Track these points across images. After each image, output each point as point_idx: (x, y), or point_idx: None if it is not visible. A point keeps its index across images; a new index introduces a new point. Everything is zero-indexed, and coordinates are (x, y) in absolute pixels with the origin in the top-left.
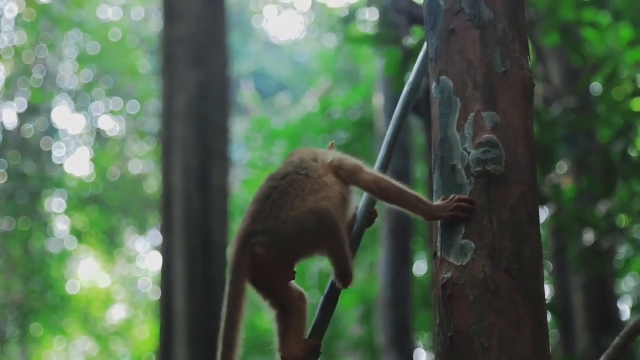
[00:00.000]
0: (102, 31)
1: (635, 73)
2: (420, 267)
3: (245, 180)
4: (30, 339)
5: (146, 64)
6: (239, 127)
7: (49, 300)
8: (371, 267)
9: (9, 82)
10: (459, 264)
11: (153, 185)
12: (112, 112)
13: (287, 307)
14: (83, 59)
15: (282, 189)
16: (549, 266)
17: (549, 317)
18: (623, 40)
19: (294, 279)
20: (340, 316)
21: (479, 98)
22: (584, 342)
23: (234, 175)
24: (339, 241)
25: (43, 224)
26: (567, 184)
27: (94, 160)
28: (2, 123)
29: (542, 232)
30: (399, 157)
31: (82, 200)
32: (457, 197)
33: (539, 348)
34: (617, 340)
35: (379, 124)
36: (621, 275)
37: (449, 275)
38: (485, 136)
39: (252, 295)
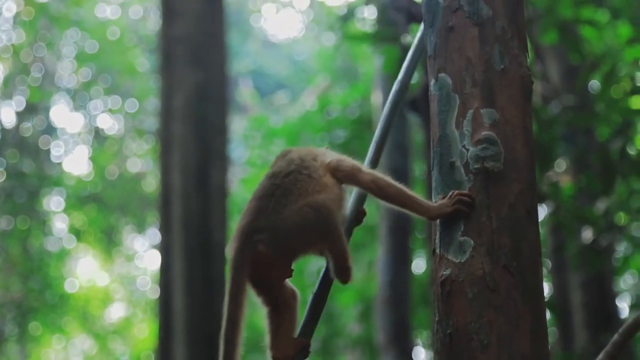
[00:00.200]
0: (101, 30)
1: (634, 71)
2: (419, 265)
3: (244, 178)
4: (28, 338)
5: (144, 63)
6: (237, 126)
7: (48, 299)
8: (370, 265)
9: (7, 81)
10: (458, 260)
11: (151, 184)
12: (110, 111)
13: (280, 304)
14: (81, 58)
15: (286, 188)
16: (547, 264)
17: (548, 314)
18: (621, 38)
19: (290, 276)
20: (339, 314)
21: (478, 95)
22: (583, 339)
23: (232, 173)
24: (338, 237)
25: (41, 222)
26: (566, 182)
27: (92, 158)
28: (0, 122)
29: (541, 229)
30: (397, 155)
31: (80, 198)
32: (456, 192)
33: (538, 345)
34: (615, 337)
35: (378, 122)
36: (620, 273)
37: (447, 272)
38: (483, 133)
39: (250, 293)
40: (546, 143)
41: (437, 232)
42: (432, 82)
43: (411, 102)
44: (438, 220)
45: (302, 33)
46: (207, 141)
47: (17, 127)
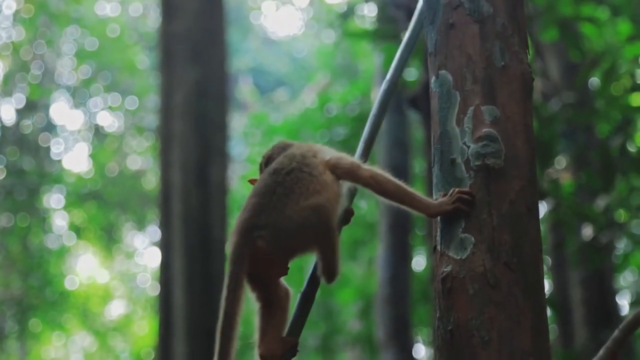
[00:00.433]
0: (100, 27)
1: (634, 68)
2: (419, 262)
3: (244, 175)
4: (29, 335)
5: (144, 60)
6: (237, 123)
7: (48, 296)
8: (370, 262)
9: (7, 78)
10: (459, 257)
11: (151, 181)
12: (110, 108)
13: (273, 301)
14: (81, 55)
15: (287, 186)
16: (547, 261)
17: (548, 311)
18: (621, 35)
19: (286, 274)
20: (339, 311)
21: (478, 92)
22: (583, 336)
23: (232, 170)
24: (333, 239)
25: (41, 219)
26: (566, 179)
27: (92, 156)
28: (0, 119)
29: (541, 226)
30: (397, 152)
31: (80, 196)
32: (457, 190)
33: (539, 341)
34: (616, 333)
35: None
36: (620, 270)
37: (448, 268)
38: (484, 130)
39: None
40: (546, 140)
41: (438, 229)
42: (433, 79)
43: (411, 99)
44: (439, 217)
45: (302, 30)
46: (207, 138)
47: (17, 124)
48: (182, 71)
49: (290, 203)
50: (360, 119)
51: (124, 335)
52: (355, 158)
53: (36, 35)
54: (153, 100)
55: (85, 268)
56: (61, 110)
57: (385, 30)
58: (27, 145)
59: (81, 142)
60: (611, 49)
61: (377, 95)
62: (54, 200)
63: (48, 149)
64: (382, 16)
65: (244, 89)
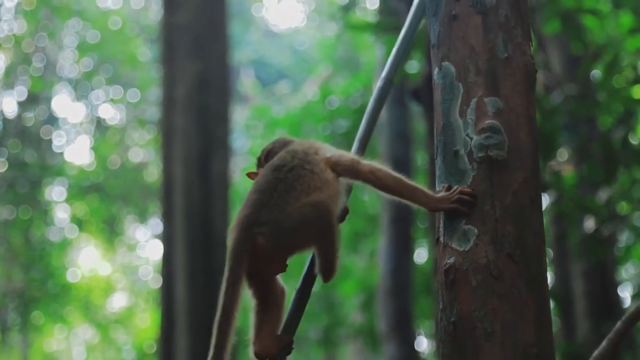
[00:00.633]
0: (102, 19)
1: (636, 60)
2: (421, 255)
3: (246, 168)
4: (31, 327)
5: (146, 52)
6: (239, 116)
7: (50, 289)
8: (372, 255)
9: (9, 71)
10: (462, 249)
11: (153, 174)
12: (112, 101)
13: (269, 299)
14: (83, 48)
15: (289, 183)
16: (549, 253)
17: (551, 303)
18: (623, 28)
19: (284, 271)
20: (341, 304)
21: (482, 83)
22: (585, 328)
23: (234, 163)
24: (333, 237)
25: (43, 212)
26: (568, 171)
27: (94, 148)
28: (2, 111)
29: (543, 218)
30: (399, 144)
31: (82, 188)
32: (458, 189)
33: (542, 333)
34: (618, 324)
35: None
36: (622, 262)
37: (451, 260)
38: (487, 122)
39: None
40: (548, 132)
41: (441, 221)
42: (436, 70)
43: (413, 91)
44: None
45: (304, 23)
46: (209, 131)
47: (19, 117)
48: (184, 64)
49: (291, 200)
50: (362, 112)
51: (126, 327)
52: (352, 153)
53: (38, 27)
54: (155, 92)
55: (87, 261)
56: (63, 103)
57: (387, 23)
58: (29, 137)
59: (83, 135)
60: (613, 41)
61: (375, 87)
62: (55, 192)
63: (50, 141)
64: (384, 8)
65: (245, 81)
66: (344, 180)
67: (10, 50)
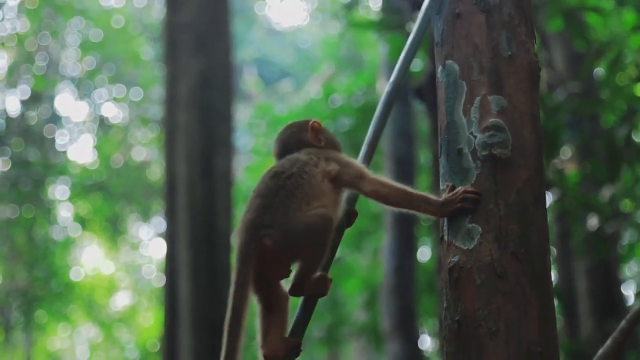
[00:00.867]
0: (105, 18)
1: (639, 58)
2: (424, 253)
3: (249, 166)
4: (34, 326)
5: (149, 51)
6: (242, 114)
7: (53, 288)
8: (375, 253)
9: (12, 70)
10: (466, 247)
11: (156, 172)
12: (115, 99)
13: (274, 303)
14: (86, 46)
15: (288, 190)
16: (553, 251)
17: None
18: (627, 25)
19: (288, 276)
20: (344, 302)
21: (485, 82)
22: (588, 327)
23: (237, 161)
24: (323, 252)
25: (47, 211)
26: (571, 169)
27: (97, 147)
28: (5, 110)
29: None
30: (402, 143)
31: (85, 187)
32: (462, 189)
33: (546, 331)
34: (623, 323)
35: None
36: (625, 260)
37: (455, 259)
38: (491, 120)
39: None
40: (551, 130)
41: (445, 219)
42: (440, 69)
43: (416, 89)
44: None
45: (307, 21)
46: (212, 129)
47: (22, 115)
48: (187, 62)
49: (293, 206)
50: (365, 110)
51: (130, 326)
52: (359, 162)
53: (41, 26)
54: (158, 91)
55: (91, 259)
56: (66, 102)
57: (390, 21)
58: (32, 136)
59: (86, 134)
60: (616, 38)
61: (382, 86)
62: (59, 191)
63: (53, 140)
64: (387, 6)
65: (248, 79)
66: (346, 192)
67: (13, 49)
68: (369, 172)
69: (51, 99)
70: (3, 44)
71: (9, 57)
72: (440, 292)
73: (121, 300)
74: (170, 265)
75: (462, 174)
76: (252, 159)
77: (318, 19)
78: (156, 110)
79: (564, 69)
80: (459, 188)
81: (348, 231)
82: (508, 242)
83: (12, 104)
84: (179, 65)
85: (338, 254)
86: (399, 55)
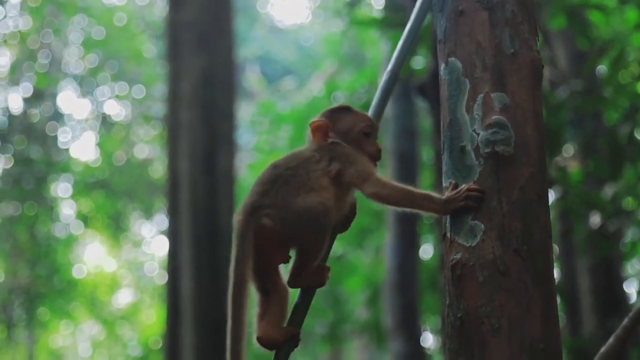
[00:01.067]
0: (107, 16)
1: None
2: (427, 250)
3: (251, 164)
4: (37, 323)
5: (151, 49)
6: (244, 112)
7: (56, 285)
8: (377, 250)
9: (15, 67)
10: (469, 244)
11: (159, 170)
12: (117, 97)
13: (272, 291)
14: (88, 44)
15: (286, 178)
16: (555, 249)
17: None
18: (629, 23)
19: (287, 261)
20: (346, 299)
21: (488, 79)
22: (591, 324)
23: (240, 159)
24: (321, 239)
25: (49, 208)
26: (574, 167)
27: (99, 144)
28: (7, 108)
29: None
30: (404, 140)
31: (88, 184)
32: (466, 187)
33: (549, 328)
34: (626, 321)
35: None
36: (627, 258)
37: (458, 256)
38: (494, 117)
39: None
40: (554, 128)
41: (448, 217)
42: (442, 66)
43: (419, 87)
44: None
45: (309, 18)
46: (214, 127)
47: (24, 113)
48: (189, 60)
49: (290, 191)
50: (367, 107)
51: (132, 323)
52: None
53: (43, 24)
54: (160, 89)
55: (93, 257)
56: (68, 99)
57: (393, 18)
58: (34, 134)
59: (88, 131)
60: (619, 36)
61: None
62: (61, 189)
63: (55, 137)
64: (390, 4)
65: (251, 77)
66: (352, 191)
67: (15, 46)
68: (375, 173)
69: (54, 96)
70: (5, 41)
71: (12, 55)
72: (443, 290)
73: (123, 298)
74: (173, 262)
75: (465, 171)
76: (254, 157)
77: (320, 17)
78: (159, 108)
79: (566, 67)
80: (463, 186)
81: (350, 228)
82: (511, 239)
83: (15, 102)
84: (182, 63)
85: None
86: None
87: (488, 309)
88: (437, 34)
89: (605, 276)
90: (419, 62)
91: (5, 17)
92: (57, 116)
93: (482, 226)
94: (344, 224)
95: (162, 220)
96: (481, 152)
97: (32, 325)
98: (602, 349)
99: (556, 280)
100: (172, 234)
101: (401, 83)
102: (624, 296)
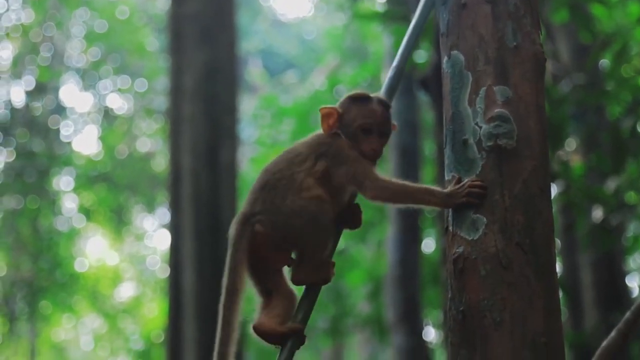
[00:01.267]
0: (110, 9)
1: None
2: (429, 244)
3: (254, 158)
4: (39, 317)
5: (154, 42)
6: (247, 105)
7: (58, 278)
8: (379, 244)
9: (17, 60)
10: (471, 238)
11: (161, 163)
12: (119, 90)
13: (276, 293)
14: (91, 37)
15: (273, 184)
16: (557, 243)
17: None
18: (632, 17)
19: (288, 264)
20: (348, 293)
21: (491, 72)
22: (593, 318)
23: (242, 153)
24: (318, 235)
25: (51, 202)
26: (576, 161)
27: (101, 138)
28: (10, 101)
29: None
30: (407, 134)
31: (90, 178)
32: (468, 182)
33: (551, 322)
34: (627, 315)
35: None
36: (630, 252)
37: (460, 249)
38: (496, 110)
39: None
40: (557, 122)
41: (450, 210)
42: (445, 59)
43: (421, 80)
44: None
45: (312, 12)
46: (216, 120)
47: (26, 106)
48: (192, 53)
49: (278, 194)
50: None
51: (134, 317)
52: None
53: (46, 17)
54: (162, 82)
55: (95, 250)
56: (71, 93)
57: (395, 12)
58: (36, 127)
59: (91, 125)
60: (622, 30)
61: (387, 77)
62: (63, 182)
63: (58, 131)
64: None
65: (253, 71)
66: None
67: (18, 39)
68: (370, 174)
69: (56, 89)
70: (8, 34)
71: (14, 48)
72: (445, 283)
73: (125, 291)
74: (175, 256)
75: (467, 164)
76: (257, 150)
77: (323, 10)
78: (161, 102)
79: (569, 61)
80: (466, 181)
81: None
82: (513, 232)
83: (17, 95)
84: (184, 57)
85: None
86: None
87: (490, 303)
88: (439, 27)
89: (608, 270)
90: (421, 55)
91: (7, 10)
92: (60, 109)
93: (485, 220)
94: (353, 221)
95: (164, 213)
96: (483, 145)
97: (34, 319)
98: (604, 343)
99: (558, 274)
100: (174, 227)
101: (404, 76)
102: (626, 290)
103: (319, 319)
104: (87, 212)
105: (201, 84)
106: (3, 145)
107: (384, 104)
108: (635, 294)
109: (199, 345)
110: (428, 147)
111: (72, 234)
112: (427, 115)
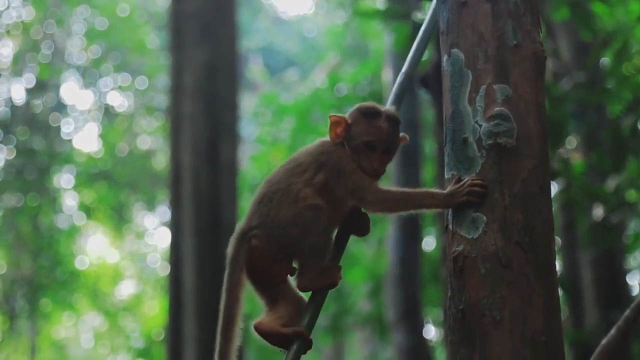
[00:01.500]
0: (111, 6)
1: None
2: (429, 243)
3: (254, 155)
4: (39, 314)
5: (154, 40)
6: (247, 103)
7: (58, 276)
8: (380, 243)
9: (18, 58)
10: (470, 237)
11: (161, 161)
12: (120, 88)
13: (282, 301)
14: (91, 35)
15: (270, 196)
16: (557, 241)
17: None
18: (632, 15)
19: (291, 274)
20: (349, 292)
21: (491, 71)
22: (593, 317)
23: (242, 150)
24: (316, 242)
25: (52, 199)
26: (577, 159)
27: (102, 135)
28: (10, 98)
29: (552, 206)
30: (407, 132)
31: (90, 175)
32: (469, 180)
33: (551, 320)
34: (627, 312)
35: (388, 99)
36: (630, 250)
37: (460, 248)
38: (496, 109)
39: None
40: (557, 120)
41: (450, 209)
42: (445, 57)
43: (422, 78)
44: None
45: (312, 10)
46: (217, 118)
47: (27, 104)
48: (193, 51)
49: (273, 207)
50: (371, 99)
51: (134, 315)
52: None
53: (46, 14)
54: (163, 80)
55: (96, 248)
56: (71, 90)
57: (396, 10)
58: (37, 125)
59: (91, 122)
60: (622, 28)
61: (387, 75)
62: (64, 180)
63: (58, 128)
64: None
65: (254, 69)
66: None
67: (18, 37)
68: (369, 188)
69: (56, 87)
70: (8, 32)
71: (15, 45)
72: (445, 282)
73: (126, 289)
74: (175, 254)
75: (467, 163)
76: (257, 148)
77: (324, 8)
78: (161, 99)
79: (569, 59)
80: (466, 180)
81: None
82: (513, 231)
83: (18, 92)
84: (185, 54)
85: None
86: (404, 44)
87: (490, 301)
88: (439, 26)
89: (608, 268)
90: None
91: (8, 7)
92: (60, 107)
93: (484, 218)
94: (361, 229)
95: (164, 211)
96: (483, 143)
97: (34, 317)
98: (604, 341)
99: (558, 273)
100: (175, 225)
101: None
102: (626, 288)
103: (319, 317)
104: (87, 210)
105: (202, 81)
106: (3, 143)
107: (393, 120)
108: (635, 292)
109: (199, 343)
110: (428, 146)
111: (73, 232)
112: (428, 113)
